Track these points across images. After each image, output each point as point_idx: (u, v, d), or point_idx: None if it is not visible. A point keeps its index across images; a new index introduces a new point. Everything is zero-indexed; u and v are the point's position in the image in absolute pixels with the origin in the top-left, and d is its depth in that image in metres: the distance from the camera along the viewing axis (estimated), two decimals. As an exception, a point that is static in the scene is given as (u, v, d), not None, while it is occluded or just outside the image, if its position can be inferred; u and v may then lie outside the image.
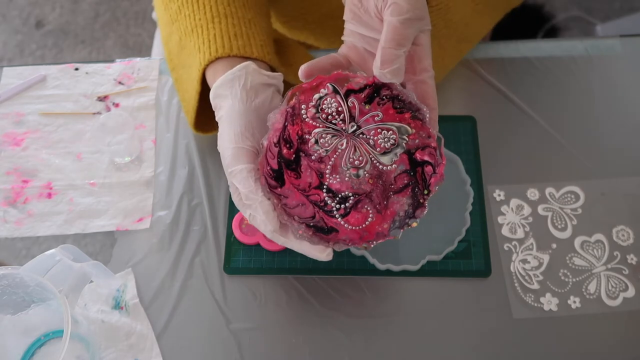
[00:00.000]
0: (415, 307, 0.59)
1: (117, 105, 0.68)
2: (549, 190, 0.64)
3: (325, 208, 0.45)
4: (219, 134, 0.51)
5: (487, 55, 0.71)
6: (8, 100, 0.68)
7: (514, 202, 0.63)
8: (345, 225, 0.46)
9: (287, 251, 0.60)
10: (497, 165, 0.65)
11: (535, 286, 0.59)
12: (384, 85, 0.46)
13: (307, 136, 0.46)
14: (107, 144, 0.64)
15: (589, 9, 1.47)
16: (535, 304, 0.59)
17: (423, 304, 0.59)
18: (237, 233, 0.60)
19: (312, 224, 0.46)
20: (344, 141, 0.45)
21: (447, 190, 0.63)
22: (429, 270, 0.59)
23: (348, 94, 0.46)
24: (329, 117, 0.46)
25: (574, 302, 0.59)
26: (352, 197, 0.45)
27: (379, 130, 0.45)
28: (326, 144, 0.45)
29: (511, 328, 0.58)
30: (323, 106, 0.46)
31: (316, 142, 0.45)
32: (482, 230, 0.61)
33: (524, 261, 0.60)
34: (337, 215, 0.45)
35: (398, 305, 0.59)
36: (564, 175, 0.64)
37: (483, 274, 0.59)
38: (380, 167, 0.45)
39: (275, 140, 0.46)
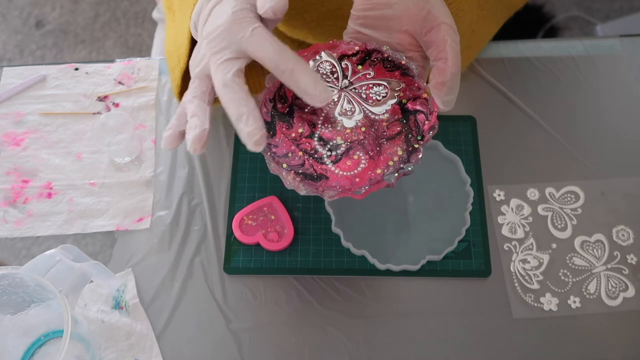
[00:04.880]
0: (415, 307, 0.59)
1: (117, 105, 0.68)
2: (549, 190, 0.64)
3: (316, 155, 0.46)
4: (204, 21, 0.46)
5: (487, 55, 0.71)
6: (8, 100, 0.68)
7: (514, 202, 0.63)
8: (336, 171, 0.45)
9: (287, 251, 0.60)
10: (497, 165, 0.65)
11: (535, 286, 0.59)
12: (375, 50, 0.48)
13: None
14: (107, 144, 0.64)
15: (589, 9, 1.47)
16: (535, 304, 0.59)
17: (423, 304, 0.59)
18: (237, 233, 0.60)
19: (300, 172, 0.46)
20: (337, 95, 0.47)
21: (447, 190, 0.63)
22: (429, 270, 0.59)
23: (342, 58, 0.49)
24: (323, 76, 0.48)
25: (574, 302, 0.59)
26: (343, 145, 0.46)
27: (370, 85, 0.47)
28: None
29: (511, 328, 0.58)
30: (318, 69, 0.48)
31: None
32: (482, 230, 0.61)
33: (524, 261, 0.60)
34: (327, 162, 0.46)
35: (398, 305, 0.59)
36: (564, 175, 0.64)
37: (483, 274, 0.59)
38: (372, 116, 0.46)
39: (270, 97, 0.48)
